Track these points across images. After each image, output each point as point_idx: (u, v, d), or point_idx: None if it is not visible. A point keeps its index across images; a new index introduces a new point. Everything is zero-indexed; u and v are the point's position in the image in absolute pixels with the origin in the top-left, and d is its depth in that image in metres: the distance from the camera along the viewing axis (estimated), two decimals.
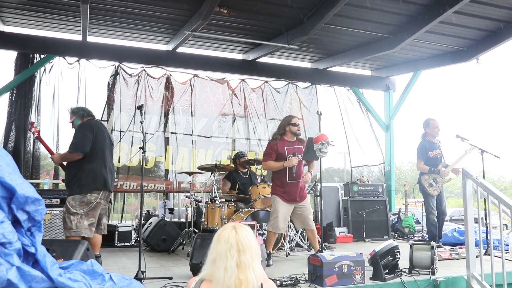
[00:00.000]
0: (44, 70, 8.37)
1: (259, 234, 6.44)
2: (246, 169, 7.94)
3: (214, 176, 7.49)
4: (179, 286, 4.51)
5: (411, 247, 5.34)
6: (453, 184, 56.24)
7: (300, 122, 10.26)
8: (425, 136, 7.32)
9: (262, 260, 4.96)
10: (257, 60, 9.58)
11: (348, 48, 9.27)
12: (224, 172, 8.07)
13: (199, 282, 2.37)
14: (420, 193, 7.51)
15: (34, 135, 5.50)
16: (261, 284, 2.37)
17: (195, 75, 9.48)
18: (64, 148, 8.48)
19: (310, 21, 7.60)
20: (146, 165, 8.82)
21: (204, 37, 8.39)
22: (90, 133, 5.18)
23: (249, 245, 2.33)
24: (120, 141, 8.63)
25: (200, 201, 8.00)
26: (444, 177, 7.13)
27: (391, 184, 10.74)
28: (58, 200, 7.28)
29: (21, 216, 3.10)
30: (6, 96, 8.07)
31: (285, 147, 5.95)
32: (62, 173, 9.80)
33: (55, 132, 8.40)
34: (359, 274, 4.66)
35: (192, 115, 9.39)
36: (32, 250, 3.11)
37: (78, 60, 8.51)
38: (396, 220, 9.79)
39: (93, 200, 5.07)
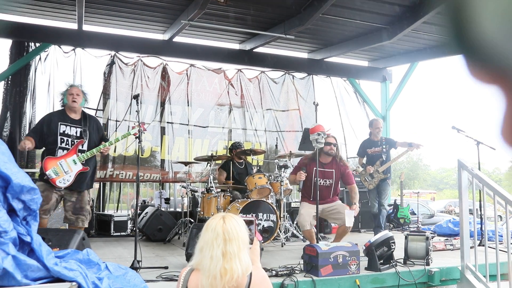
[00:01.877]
0: (40, 58, 8.31)
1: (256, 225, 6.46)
2: (242, 160, 7.93)
3: (210, 166, 7.48)
4: (175, 275, 4.52)
5: (406, 237, 5.37)
6: (449, 175, 56.55)
7: (297, 113, 10.34)
8: (370, 135, 8.00)
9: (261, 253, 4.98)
10: (254, 50, 9.55)
11: (345, 38, 9.24)
12: (220, 162, 8.07)
13: (190, 272, 2.39)
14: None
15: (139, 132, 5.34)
16: (251, 273, 2.37)
17: (192, 65, 9.45)
18: None
19: (307, 11, 7.57)
20: (142, 155, 8.80)
21: (201, 27, 8.36)
22: None
23: (236, 235, 2.33)
24: (116, 131, 8.60)
25: (196, 191, 7.99)
26: (372, 173, 7.66)
27: None
28: None
29: (17, 205, 3.09)
30: (1, 84, 8.02)
31: (313, 169, 5.95)
32: None
33: None
34: (354, 265, 4.68)
35: (188, 105, 9.36)
36: (27, 239, 3.11)
37: (73, 49, 8.46)
38: (391, 211, 9.83)
39: None
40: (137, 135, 5.16)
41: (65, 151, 5.13)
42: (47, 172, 5.00)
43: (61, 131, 5.17)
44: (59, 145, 5.14)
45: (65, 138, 5.17)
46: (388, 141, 7.89)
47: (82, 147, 5.24)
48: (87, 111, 8.41)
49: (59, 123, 5.19)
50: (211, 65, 9.64)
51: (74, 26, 8.31)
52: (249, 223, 2.70)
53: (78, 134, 5.23)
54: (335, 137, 6.25)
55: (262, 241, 6.07)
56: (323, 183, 6.05)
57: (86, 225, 5.44)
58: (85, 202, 5.33)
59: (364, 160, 7.90)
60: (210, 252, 2.29)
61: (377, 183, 7.72)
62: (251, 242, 2.62)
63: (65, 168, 5.05)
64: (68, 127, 5.21)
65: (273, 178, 7.22)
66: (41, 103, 8.35)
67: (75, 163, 5.11)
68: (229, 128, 9.79)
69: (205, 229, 2.38)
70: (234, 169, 7.70)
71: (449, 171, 56.38)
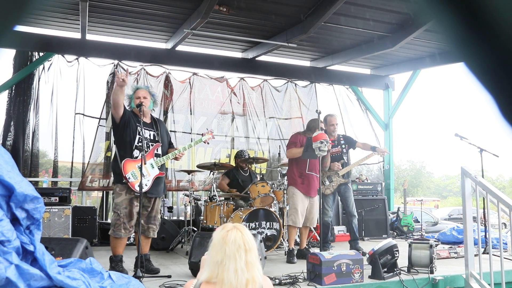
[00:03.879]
0: (43, 68, 8.35)
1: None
2: (247, 168, 7.95)
3: (213, 174, 7.49)
4: (178, 284, 4.51)
5: (410, 245, 5.35)
6: (452, 183, 56.37)
7: (299, 121, 10.34)
8: None
9: (261, 259, 4.98)
10: (256, 59, 9.57)
11: (347, 46, 9.26)
12: (223, 170, 8.08)
13: (198, 285, 2.37)
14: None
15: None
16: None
17: (194, 74, 9.47)
18: (62, 146, 8.49)
19: (309, 19, 7.60)
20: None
21: (204, 36, 8.39)
22: None
23: (253, 245, 2.35)
24: None
25: (199, 200, 8.00)
26: (331, 175, 6.91)
27: (390, 183, 10.74)
28: (57, 198, 7.30)
29: (20, 214, 3.10)
30: (5, 94, 8.06)
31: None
32: (61, 171, 9.84)
33: (53, 130, 8.39)
34: (358, 273, 4.66)
35: (191, 114, 9.37)
36: (31, 248, 3.11)
37: (77, 58, 8.49)
38: (395, 218, 9.80)
39: None
40: (208, 142, 5.59)
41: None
42: (127, 175, 4.87)
43: (139, 131, 5.04)
44: (135, 143, 5.02)
45: (142, 139, 5.05)
46: (346, 139, 7.11)
47: (157, 151, 5.20)
48: (89, 119, 8.56)
49: (136, 124, 5.05)
50: (213, 74, 9.66)
51: (77, 35, 8.35)
52: None
53: (152, 138, 5.15)
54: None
55: (270, 250, 6.06)
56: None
57: (155, 236, 5.37)
58: (157, 211, 5.30)
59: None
60: (234, 265, 2.27)
61: (335, 188, 6.92)
62: None
63: (144, 172, 4.90)
64: (144, 129, 5.08)
65: (276, 186, 7.22)
66: (45, 113, 8.38)
67: (153, 167, 5.03)
68: (232, 137, 9.79)
69: (222, 242, 2.34)
70: (239, 176, 7.71)
71: (453, 179, 56.21)
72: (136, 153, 5.03)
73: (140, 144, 5.01)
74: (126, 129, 5.02)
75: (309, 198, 6.24)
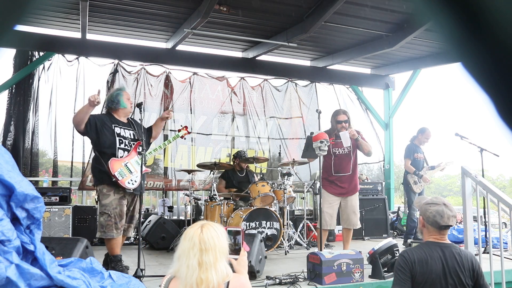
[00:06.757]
0: (43, 67, 8.35)
1: (252, 234, 6.44)
2: (243, 168, 7.92)
3: (213, 174, 7.49)
4: None
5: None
6: (453, 182, 56.38)
7: (300, 120, 10.35)
8: (413, 140, 8.05)
9: (261, 258, 4.97)
10: (257, 58, 9.57)
11: (348, 46, 9.26)
12: (223, 170, 8.08)
13: (169, 280, 2.40)
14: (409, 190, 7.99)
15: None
16: (228, 282, 2.35)
17: (195, 73, 9.47)
18: (62, 146, 8.49)
19: (310, 19, 7.60)
20: (145, 163, 8.81)
21: (204, 35, 8.39)
22: None
23: (213, 246, 2.30)
24: None
25: (199, 199, 7.99)
26: (421, 177, 7.87)
27: (390, 182, 10.74)
28: (57, 197, 7.30)
29: (20, 214, 3.10)
30: (5, 93, 8.06)
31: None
32: (61, 171, 9.84)
33: (52, 130, 8.40)
34: (358, 272, 4.66)
35: (191, 113, 9.37)
36: (31, 247, 3.11)
37: (77, 58, 8.49)
38: (395, 218, 9.80)
39: None
40: (184, 137, 5.62)
41: (126, 152, 5.03)
42: (115, 174, 4.84)
43: (117, 132, 5.04)
44: (118, 146, 5.00)
45: (123, 140, 5.04)
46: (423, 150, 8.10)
47: (139, 149, 5.15)
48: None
49: (113, 125, 5.05)
50: (214, 73, 9.66)
51: (77, 35, 8.34)
52: (235, 233, 2.67)
53: (132, 137, 5.14)
54: (346, 113, 6.11)
55: (270, 250, 6.06)
56: (341, 152, 5.95)
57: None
58: (136, 211, 5.24)
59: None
60: (186, 261, 2.28)
61: (423, 187, 7.97)
62: (237, 252, 2.60)
63: (131, 169, 4.92)
64: (122, 129, 5.08)
65: (276, 185, 7.22)
66: (44, 112, 8.38)
67: (138, 164, 5.00)
68: (232, 136, 9.79)
69: (183, 238, 2.37)
70: (234, 178, 7.70)
71: (453, 178, 56.20)
72: (121, 153, 5.02)
73: (121, 145, 5.02)
74: (102, 135, 4.95)
75: (341, 198, 6.01)
